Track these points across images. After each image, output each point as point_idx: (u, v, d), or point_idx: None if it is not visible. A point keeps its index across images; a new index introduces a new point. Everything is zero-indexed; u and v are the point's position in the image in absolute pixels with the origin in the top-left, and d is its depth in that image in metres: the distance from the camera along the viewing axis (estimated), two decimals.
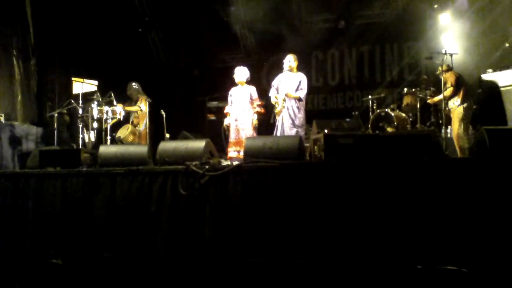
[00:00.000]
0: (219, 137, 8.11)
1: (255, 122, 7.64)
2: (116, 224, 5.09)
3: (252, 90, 7.81)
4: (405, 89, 8.84)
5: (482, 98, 7.78)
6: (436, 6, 10.28)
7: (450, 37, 10.02)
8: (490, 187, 4.07)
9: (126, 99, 9.05)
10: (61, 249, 5.14)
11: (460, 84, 7.54)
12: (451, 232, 4.04)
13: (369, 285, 3.44)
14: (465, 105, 7.49)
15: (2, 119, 7.63)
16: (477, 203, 4.07)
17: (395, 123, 8.35)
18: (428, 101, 8.19)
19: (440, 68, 7.59)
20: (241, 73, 7.86)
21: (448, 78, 7.54)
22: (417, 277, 2.88)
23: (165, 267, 4.58)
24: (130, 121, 8.83)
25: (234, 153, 7.46)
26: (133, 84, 9.01)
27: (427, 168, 4.32)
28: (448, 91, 7.47)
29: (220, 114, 8.89)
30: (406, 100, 8.92)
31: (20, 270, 3.11)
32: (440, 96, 7.55)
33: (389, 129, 8.36)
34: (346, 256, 4.21)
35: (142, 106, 8.78)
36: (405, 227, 4.17)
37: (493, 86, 7.42)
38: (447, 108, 7.57)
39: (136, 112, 8.79)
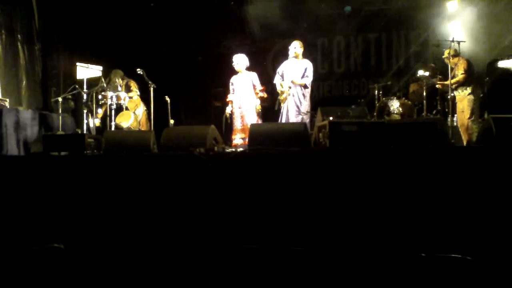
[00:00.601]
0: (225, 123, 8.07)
1: (259, 107, 7.61)
2: (119, 210, 5.09)
3: (254, 76, 7.77)
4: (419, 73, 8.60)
5: (491, 86, 7.68)
6: None
7: (458, 24, 9.90)
8: (496, 176, 4.05)
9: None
10: (64, 234, 5.17)
11: (471, 71, 7.46)
12: (456, 220, 4.03)
13: (373, 272, 3.43)
14: (476, 92, 7.43)
15: (7, 104, 7.63)
16: (482, 192, 4.05)
17: (401, 110, 8.30)
18: (437, 85, 8.03)
19: (446, 52, 7.51)
20: (240, 60, 7.81)
21: (460, 64, 7.44)
22: (421, 264, 2.88)
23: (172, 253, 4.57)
24: (125, 107, 8.67)
25: (240, 140, 7.45)
26: (118, 72, 8.80)
27: (433, 156, 4.29)
28: (460, 77, 7.37)
29: (225, 101, 8.84)
30: (413, 87, 8.85)
31: (22, 254, 3.12)
32: (453, 80, 7.45)
33: (396, 117, 8.31)
34: (350, 244, 4.21)
35: (135, 92, 8.67)
36: (409, 215, 4.16)
37: (501, 74, 7.34)
38: (452, 94, 7.47)
39: (132, 97, 8.66)
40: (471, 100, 7.41)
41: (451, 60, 7.43)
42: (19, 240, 4.44)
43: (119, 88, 8.63)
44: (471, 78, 7.43)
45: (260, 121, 7.56)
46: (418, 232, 4.08)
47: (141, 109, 8.63)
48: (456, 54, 7.49)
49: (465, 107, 7.39)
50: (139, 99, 8.66)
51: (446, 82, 7.71)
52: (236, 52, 8.32)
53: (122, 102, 8.30)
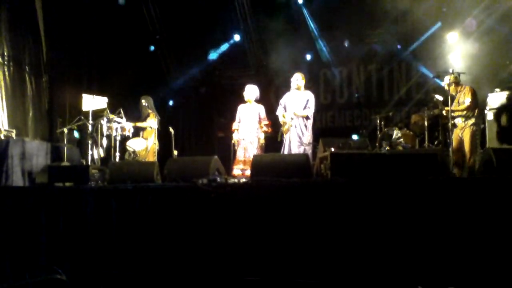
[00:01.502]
0: (228, 154, 8.16)
1: (262, 141, 7.69)
2: (123, 240, 5.12)
3: (261, 109, 7.87)
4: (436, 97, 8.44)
5: (493, 118, 7.73)
6: (440, 24, 10.31)
7: (458, 56, 10.04)
8: (497, 208, 4.06)
9: (137, 114, 9.14)
10: (70, 264, 5.19)
11: (477, 99, 7.46)
12: (456, 252, 4.03)
13: None
14: (478, 123, 7.42)
15: (14, 135, 7.73)
16: (483, 224, 4.06)
17: (403, 141, 8.34)
18: (444, 112, 7.92)
19: (448, 79, 7.55)
20: (251, 91, 7.94)
21: (467, 92, 7.41)
22: None
23: (173, 284, 4.58)
24: (141, 135, 8.92)
25: (239, 171, 7.50)
26: (142, 100, 9.11)
27: (433, 187, 4.32)
28: (469, 104, 7.29)
29: (229, 130, 8.95)
30: (414, 118, 8.92)
31: (25, 285, 3.14)
32: (459, 107, 7.45)
33: (397, 148, 8.35)
34: (350, 275, 4.21)
35: (152, 122, 8.87)
36: (409, 247, 4.17)
37: (500, 105, 7.39)
38: (452, 122, 7.45)
39: (151, 127, 8.90)
40: (474, 131, 7.37)
41: (452, 87, 7.47)
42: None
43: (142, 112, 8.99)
44: (476, 108, 7.43)
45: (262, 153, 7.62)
46: (417, 264, 4.08)
47: (152, 140, 8.79)
48: (457, 81, 7.54)
49: (466, 137, 7.33)
50: (154, 131, 8.81)
51: (457, 108, 7.60)
52: (239, 83, 8.46)
53: (126, 133, 8.40)
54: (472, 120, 7.31)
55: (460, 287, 2.76)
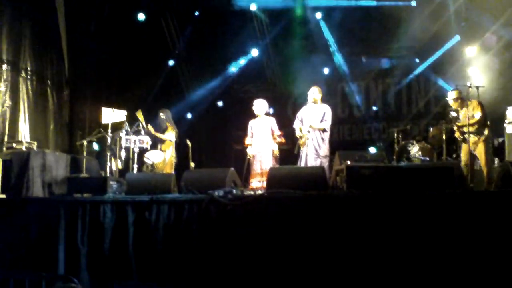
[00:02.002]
0: (244, 166, 8.19)
1: (276, 152, 7.74)
2: (140, 250, 5.16)
3: (272, 121, 7.93)
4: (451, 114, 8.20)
5: (510, 131, 7.65)
6: (459, 38, 10.27)
7: (477, 70, 9.99)
8: None
9: (155, 127, 9.26)
10: (87, 274, 5.26)
11: (486, 113, 7.39)
12: (474, 266, 3.99)
13: None
14: (490, 137, 7.34)
15: (35, 147, 7.88)
16: (501, 237, 4.01)
17: (421, 154, 8.30)
18: (455, 127, 7.87)
19: (452, 94, 7.53)
20: (259, 105, 8.00)
21: (476, 107, 7.34)
22: None
23: None
24: (159, 147, 9.03)
25: (258, 184, 7.52)
26: (161, 113, 9.23)
27: (450, 200, 4.29)
28: (480, 119, 7.22)
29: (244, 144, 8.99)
30: (432, 132, 8.87)
31: None
32: (470, 121, 7.38)
33: (415, 161, 8.31)
34: (364, 285, 4.19)
35: (170, 135, 8.97)
36: (425, 260, 4.13)
37: None
38: (462, 137, 7.38)
39: (165, 140, 9.02)
40: (488, 144, 7.27)
41: (457, 102, 7.46)
42: None
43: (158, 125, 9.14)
44: (486, 121, 7.35)
45: (277, 165, 7.64)
46: (435, 276, 4.04)
47: (170, 153, 8.89)
48: (461, 96, 7.48)
49: (481, 152, 7.23)
50: (172, 144, 8.93)
51: (468, 123, 7.53)
52: (256, 97, 8.53)
53: (145, 145, 8.51)
54: (485, 134, 7.21)
55: None
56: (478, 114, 7.17)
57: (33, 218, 5.64)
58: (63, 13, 10.39)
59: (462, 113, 7.47)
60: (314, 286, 4.38)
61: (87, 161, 8.13)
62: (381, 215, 4.39)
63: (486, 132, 7.18)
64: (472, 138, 7.14)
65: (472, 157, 7.16)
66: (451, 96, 7.56)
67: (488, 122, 7.36)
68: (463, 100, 7.44)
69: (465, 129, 7.14)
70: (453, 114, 7.78)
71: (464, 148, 7.31)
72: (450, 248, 4.10)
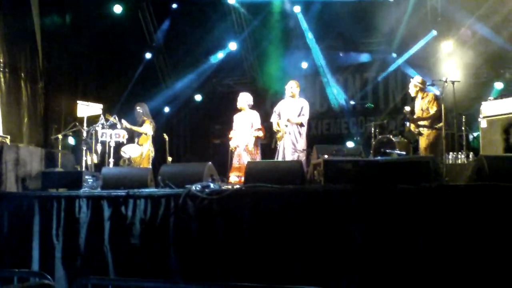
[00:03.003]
0: (223, 160, 8.17)
1: (250, 147, 7.64)
2: (116, 245, 5.11)
3: (254, 115, 7.87)
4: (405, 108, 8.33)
5: (484, 125, 7.75)
6: (435, 33, 10.39)
7: (453, 65, 10.12)
8: (488, 215, 4.07)
9: (132, 121, 9.18)
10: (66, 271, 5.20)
11: (441, 108, 7.46)
12: (449, 259, 4.04)
13: None
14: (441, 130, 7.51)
15: (8, 141, 7.72)
16: (476, 231, 4.07)
17: (398, 149, 8.36)
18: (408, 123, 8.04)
19: (420, 80, 7.63)
20: (243, 99, 7.95)
21: (430, 101, 7.43)
22: None
23: None
24: (136, 141, 8.96)
25: (235, 178, 7.50)
26: (137, 107, 9.16)
27: (426, 194, 4.33)
28: (436, 114, 7.34)
29: (225, 138, 8.97)
30: (409, 126, 8.94)
31: None
32: (424, 115, 7.54)
33: (392, 155, 8.37)
34: (343, 283, 4.21)
35: (147, 128, 8.90)
36: (401, 253, 4.17)
37: (494, 114, 7.42)
38: (417, 130, 7.62)
39: (142, 134, 8.95)
40: (438, 138, 7.39)
41: (417, 89, 7.61)
42: None
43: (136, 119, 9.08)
44: (440, 115, 7.47)
45: (256, 159, 7.62)
46: (410, 270, 4.09)
47: (147, 147, 8.83)
48: (423, 87, 7.61)
49: (431, 144, 7.38)
50: (149, 138, 8.86)
51: (422, 116, 7.70)
52: (235, 91, 8.50)
53: (121, 139, 8.42)
54: (437, 128, 7.33)
55: None
56: (433, 109, 7.31)
57: (6, 213, 5.55)
58: (37, 4, 10.17)
59: (418, 105, 7.58)
60: (291, 279, 4.38)
61: (62, 155, 8.01)
62: (358, 209, 4.41)
63: (438, 126, 7.30)
64: (426, 131, 7.33)
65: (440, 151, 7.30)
66: (416, 80, 7.65)
67: (442, 117, 7.46)
68: (422, 90, 7.56)
69: (419, 122, 7.31)
70: (407, 108, 7.90)
71: (421, 142, 7.50)
72: (425, 241, 4.14)
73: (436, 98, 7.49)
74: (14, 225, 5.50)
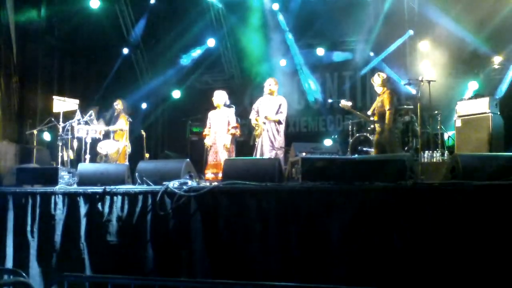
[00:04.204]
0: (200, 157, 8.16)
1: (227, 145, 7.65)
2: (93, 243, 5.07)
3: (230, 113, 7.87)
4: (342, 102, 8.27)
5: (459, 125, 7.90)
6: (412, 32, 10.53)
7: (429, 64, 10.27)
8: (462, 212, 4.15)
9: (108, 116, 9.10)
10: (39, 267, 5.13)
11: (395, 105, 7.57)
12: (420, 255, 4.11)
13: None
14: (398, 127, 7.65)
15: None
16: (449, 227, 4.15)
17: (374, 147, 8.45)
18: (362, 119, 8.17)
19: (380, 78, 7.72)
20: (219, 96, 7.94)
21: (385, 98, 7.43)
22: None
23: None
24: (112, 137, 8.88)
25: (211, 175, 7.50)
26: (118, 101, 9.10)
27: (402, 192, 4.39)
28: (388, 113, 7.42)
29: (202, 135, 8.95)
30: None
31: None
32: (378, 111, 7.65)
33: (369, 153, 8.46)
34: (318, 277, 4.25)
35: (122, 123, 8.83)
36: (377, 251, 4.23)
37: (468, 113, 7.56)
38: (372, 126, 7.84)
39: (121, 129, 8.88)
40: (393, 135, 7.52)
41: (378, 87, 7.70)
42: None
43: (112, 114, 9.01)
44: (396, 113, 7.62)
45: (232, 156, 7.64)
46: (387, 268, 4.15)
47: (123, 143, 8.77)
48: (384, 84, 7.69)
49: (386, 142, 7.51)
50: (126, 134, 8.79)
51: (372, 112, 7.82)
52: (213, 87, 8.48)
53: (97, 135, 8.33)
54: (390, 125, 7.44)
55: None
56: (387, 107, 7.42)
57: None
58: None
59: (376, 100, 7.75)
60: (268, 275, 4.40)
61: (38, 151, 7.92)
62: (335, 206, 4.46)
63: (392, 124, 7.42)
64: (377, 128, 7.46)
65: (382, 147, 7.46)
66: (377, 81, 7.73)
67: (396, 114, 7.60)
68: (384, 87, 7.66)
69: (375, 118, 7.46)
70: (345, 103, 8.01)
71: (375, 139, 7.63)
72: (400, 237, 4.20)
73: (391, 96, 7.53)
74: None
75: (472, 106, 7.55)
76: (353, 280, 4.18)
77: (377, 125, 7.68)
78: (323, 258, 4.36)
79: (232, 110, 7.94)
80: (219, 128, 7.79)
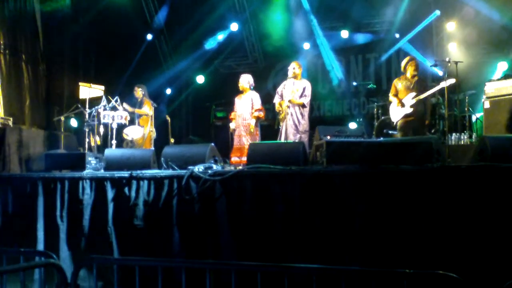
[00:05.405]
0: (224, 142, 8.20)
1: (252, 128, 7.67)
2: (121, 228, 5.15)
3: (254, 96, 7.87)
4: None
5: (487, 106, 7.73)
6: (438, 12, 10.30)
7: (456, 45, 10.05)
8: (490, 195, 4.08)
9: (132, 102, 9.18)
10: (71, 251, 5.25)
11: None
12: (449, 238, 4.07)
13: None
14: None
15: (10, 123, 7.73)
16: (477, 210, 4.08)
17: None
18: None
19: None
20: (244, 80, 7.95)
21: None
22: (406, 280, 2.93)
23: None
24: (137, 123, 8.97)
25: (236, 159, 7.54)
26: (137, 88, 9.17)
27: (428, 175, 4.33)
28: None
29: (226, 119, 8.98)
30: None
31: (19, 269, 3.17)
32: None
33: (395, 136, 8.37)
34: (342, 260, 4.25)
35: (147, 109, 8.91)
36: (404, 233, 4.20)
37: (497, 94, 7.38)
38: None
39: (147, 115, 8.97)
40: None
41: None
42: None
43: (135, 100, 9.08)
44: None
45: (257, 140, 7.65)
46: (414, 251, 4.12)
47: (148, 128, 8.85)
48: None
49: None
50: (150, 119, 8.87)
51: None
52: (237, 72, 8.47)
53: (123, 121, 8.42)
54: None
55: (452, 271, 2.79)
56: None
57: (11, 194, 5.59)
58: None
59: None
60: (292, 258, 4.42)
61: (65, 137, 8.04)
62: (360, 190, 4.43)
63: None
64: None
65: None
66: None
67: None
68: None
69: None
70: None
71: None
72: (428, 220, 4.16)
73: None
74: (18, 206, 5.55)
75: (502, 87, 7.35)
76: (378, 264, 4.15)
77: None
78: (348, 241, 4.35)
79: (256, 93, 7.94)
80: (243, 112, 7.81)
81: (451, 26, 10.23)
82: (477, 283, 3.36)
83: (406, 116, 7.50)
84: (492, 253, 3.94)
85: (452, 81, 7.20)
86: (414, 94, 7.48)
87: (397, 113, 7.58)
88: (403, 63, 7.77)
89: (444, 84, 7.02)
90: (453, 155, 6.48)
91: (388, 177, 4.41)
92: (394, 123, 7.67)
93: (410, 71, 7.60)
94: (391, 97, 7.68)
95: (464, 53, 9.58)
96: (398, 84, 7.70)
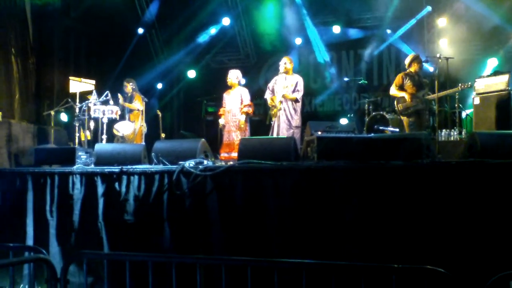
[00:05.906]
0: (216, 137, 8.19)
1: (242, 123, 7.68)
2: (111, 223, 5.13)
3: (243, 92, 7.88)
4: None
5: (477, 102, 7.77)
6: (430, 8, 10.33)
7: (447, 41, 10.09)
8: (479, 191, 4.11)
9: (123, 97, 9.13)
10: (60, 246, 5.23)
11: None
12: (438, 234, 4.09)
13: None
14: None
15: (0, 117, 7.67)
16: (467, 206, 4.11)
17: (391, 126, 8.39)
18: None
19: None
20: (232, 75, 7.95)
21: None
22: (395, 275, 2.95)
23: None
24: (127, 118, 8.92)
25: (225, 154, 7.56)
26: (126, 83, 9.10)
27: (418, 171, 4.35)
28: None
29: (217, 114, 8.96)
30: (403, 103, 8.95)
31: (9, 264, 3.15)
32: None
33: (385, 132, 8.41)
34: (333, 254, 4.26)
35: (138, 104, 8.86)
36: (394, 228, 4.22)
37: (487, 90, 7.43)
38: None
39: (138, 110, 8.92)
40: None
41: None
42: None
43: (125, 95, 8.97)
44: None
45: (246, 136, 7.65)
46: (401, 246, 4.14)
47: (139, 123, 8.80)
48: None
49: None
50: (140, 113, 8.82)
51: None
52: (229, 67, 8.46)
53: (113, 116, 8.37)
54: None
55: (440, 266, 2.82)
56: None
57: (0, 189, 5.54)
58: None
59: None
60: (284, 253, 4.42)
61: (55, 131, 7.99)
62: (351, 186, 4.44)
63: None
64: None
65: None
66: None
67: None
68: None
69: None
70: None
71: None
72: (418, 216, 4.18)
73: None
74: (7, 201, 5.51)
75: (491, 83, 7.41)
76: (368, 259, 4.18)
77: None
78: (338, 236, 4.36)
79: (245, 89, 7.94)
80: (232, 107, 7.81)
81: (442, 22, 10.27)
82: (466, 278, 3.38)
83: (417, 111, 7.61)
84: (480, 248, 3.97)
85: (468, 84, 7.31)
86: (425, 90, 7.57)
87: (406, 106, 7.69)
88: (407, 60, 7.82)
89: (461, 87, 7.32)
90: (443, 151, 6.53)
91: (378, 173, 4.43)
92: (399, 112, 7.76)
93: (415, 68, 7.67)
94: (396, 91, 7.73)
95: (455, 49, 9.61)
96: (406, 78, 7.72)
